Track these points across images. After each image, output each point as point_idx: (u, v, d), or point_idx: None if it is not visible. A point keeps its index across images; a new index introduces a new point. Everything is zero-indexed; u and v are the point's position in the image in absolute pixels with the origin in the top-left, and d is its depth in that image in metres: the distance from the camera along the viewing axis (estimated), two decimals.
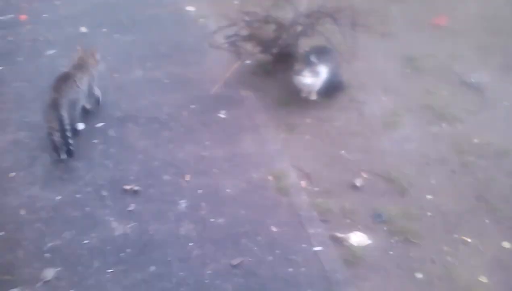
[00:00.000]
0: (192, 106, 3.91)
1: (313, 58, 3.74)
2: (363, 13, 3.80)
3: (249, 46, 4.22)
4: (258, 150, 3.46)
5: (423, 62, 4.45)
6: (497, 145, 3.46)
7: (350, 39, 3.81)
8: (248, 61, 4.39)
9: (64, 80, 3.40)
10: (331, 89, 3.92)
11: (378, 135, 3.62)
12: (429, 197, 3.08)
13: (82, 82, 3.54)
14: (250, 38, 4.04)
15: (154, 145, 3.47)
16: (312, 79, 3.74)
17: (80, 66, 3.62)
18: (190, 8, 5.64)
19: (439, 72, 4.33)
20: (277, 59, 4.25)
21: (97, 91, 3.82)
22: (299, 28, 3.98)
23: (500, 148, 3.44)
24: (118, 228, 2.81)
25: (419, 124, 3.72)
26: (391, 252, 2.70)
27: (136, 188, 3.07)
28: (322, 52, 3.83)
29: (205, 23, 5.22)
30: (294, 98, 3.99)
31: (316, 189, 3.15)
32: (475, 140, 3.53)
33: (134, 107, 3.89)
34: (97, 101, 3.84)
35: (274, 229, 2.80)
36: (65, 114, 3.27)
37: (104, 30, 5.18)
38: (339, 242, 2.74)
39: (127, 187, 3.07)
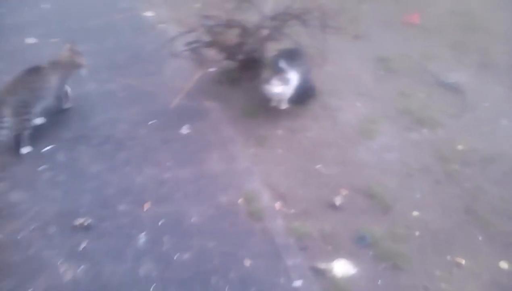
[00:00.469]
0: (151, 122, 3.54)
1: (282, 65, 3.43)
2: (332, 13, 3.50)
3: (212, 53, 3.88)
4: (226, 169, 3.12)
5: (397, 63, 4.21)
6: (482, 151, 3.24)
7: (320, 41, 3.51)
8: (211, 69, 4.05)
9: (29, 74, 3.23)
10: (303, 96, 3.62)
11: (355, 145, 3.34)
12: (415, 213, 2.81)
13: (51, 80, 3.34)
14: (212, 44, 3.69)
15: (109, 169, 3.09)
16: (282, 87, 3.43)
17: (57, 63, 3.43)
18: (149, 14, 5.25)
19: (414, 73, 4.10)
20: (243, 66, 3.93)
21: (66, 94, 3.63)
22: (265, 32, 3.64)
23: (486, 154, 3.21)
24: (68, 272, 2.42)
25: (398, 131, 3.47)
26: (379, 282, 2.41)
27: (88, 221, 2.68)
28: (291, 56, 3.53)
29: (164, 29, 4.84)
30: (263, 108, 3.68)
31: (292, 210, 2.83)
32: (459, 147, 3.30)
33: (86, 126, 3.49)
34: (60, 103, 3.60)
35: (247, 262, 2.47)
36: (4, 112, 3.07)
37: (54, 40, 4.73)
38: (321, 274, 2.43)
39: (78, 221, 2.68)
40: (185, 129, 3.47)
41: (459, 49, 4.40)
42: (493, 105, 3.71)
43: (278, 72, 3.42)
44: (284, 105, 3.64)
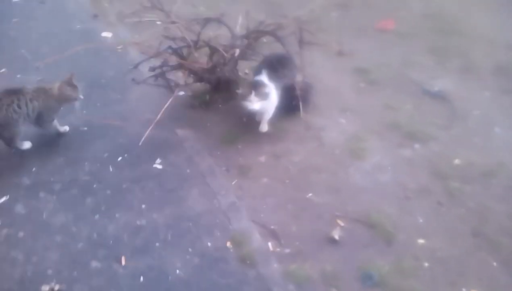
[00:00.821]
0: (119, 158, 3.19)
1: (260, 77, 3.14)
2: (306, 25, 3.22)
3: (180, 75, 3.56)
4: (208, 207, 2.81)
5: (378, 74, 3.99)
6: (481, 165, 3.04)
7: (297, 58, 3.24)
8: (181, 93, 3.71)
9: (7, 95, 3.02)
10: (291, 108, 3.32)
11: (346, 167, 3.09)
12: (420, 241, 2.57)
13: (27, 106, 3.07)
14: (180, 68, 3.37)
15: (76, 219, 2.72)
16: (261, 103, 3.12)
17: (40, 90, 3.17)
18: (106, 35, 4.86)
19: (397, 83, 3.89)
20: (216, 87, 3.62)
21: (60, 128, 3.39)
22: (237, 51, 3.34)
23: (485, 167, 3.01)
24: None
25: (389, 148, 3.23)
26: None
27: (57, 287, 2.31)
28: (277, 64, 3.22)
29: (125, 52, 4.48)
30: (242, 132, 3.39)
31: (287, 250, 2.54)
32: (456, 161, 3.09)
33: (47, 170, 3.10)
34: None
35: None
36: None
37: (3, 70, 4.29)
38: None
39: (45, 288, 2.31)
40: (158, 165, 3.13)
41: (438, 54, 4.23)
42: (483, 113, 3.53)
43: (256, 86, 3.12)
44: (264, 128, 3.35)
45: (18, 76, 4.19)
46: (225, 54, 3.17)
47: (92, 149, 3.28)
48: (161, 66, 3.38)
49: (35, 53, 4.52)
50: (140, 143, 2.99)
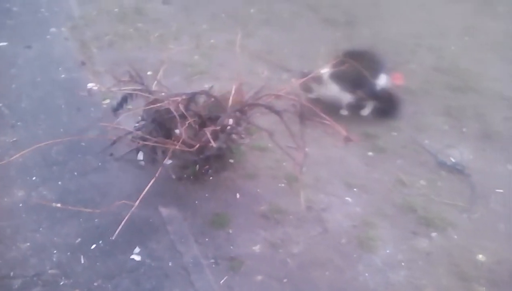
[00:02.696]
0: (93, 246, 2.78)
1: None
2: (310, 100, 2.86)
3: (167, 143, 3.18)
4: None
5: (387, 140, 3.60)
6: (509, 262, 2.61)
7: (298, 134, 2.84)
8: (167, 161, 3.31)
9: None
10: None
11: (354, 262, 2.67)
12: None
13: None
14: (167, 141, 2.98)
15: None
16: None
17: None
18: (92, 86, 4.49)
19: (408, 152, 3.50)
20: (206, 158, 3.22)
21: None
22: (230, 121, 2.96)
23: None
24: None
25: (402, 238, 2.82)
26: None
27: None
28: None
29: (110, 107, 4.10)
30: (234, 213, 2.99)
31: None
32: (479, 257, 2.67)
33: (6, 260, 2.68)
34: None
35: None
36: None
37: None
38: None
39: None
40: (136, 255, 2.72)
41: (453, 116, 3.85)
42: (508, 192, 3.12)
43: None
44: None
45: None
46: (216, 128, 2.78)
47: (63, 232, 2.88)
48: (144, 139, 2.99)
49: (13, 107, 4.16)
50: (118, 221, 2.58)
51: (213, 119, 3.01)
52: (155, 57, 4.64)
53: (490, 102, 4.04)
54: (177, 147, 2.73)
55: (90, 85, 4.50)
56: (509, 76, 4.43)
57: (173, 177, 3.06)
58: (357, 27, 5.39)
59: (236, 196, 3.12)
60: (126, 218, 2.57)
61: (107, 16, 5.89)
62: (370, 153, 3.49)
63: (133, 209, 2.59)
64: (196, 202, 3.10)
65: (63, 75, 4.70)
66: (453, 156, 3.41)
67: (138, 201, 2.61)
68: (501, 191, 3.13)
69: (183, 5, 5.17)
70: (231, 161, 3.36)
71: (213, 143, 2.61)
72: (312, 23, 5.58)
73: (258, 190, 3.16)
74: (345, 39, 5.11)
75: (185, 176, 3.28)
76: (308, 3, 6.06)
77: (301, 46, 5.04)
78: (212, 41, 5.14)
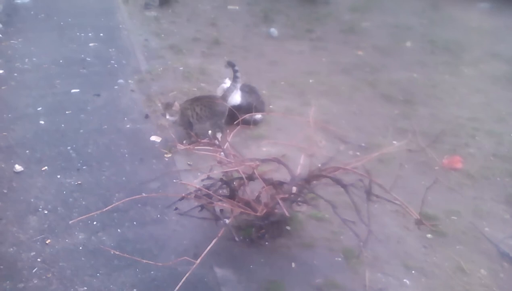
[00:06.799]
0: None
1: None
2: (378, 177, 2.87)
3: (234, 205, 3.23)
4: None
5: (446, 224, 3.53)
6: None
7: (363, 212, 2.85)
8: (226, 220, 3.36)
9: None
10: None
11: None
12: None
13: None
14: (231, 200, 3.04)
15: None
16: None
17: None
18: (155, 139, 4.67)
19: (468, 238, 3.41)
20: (264, 223, 3.25)
21: None
22: (294, 189, 3.00)
23: None
24: None
25: None
26: None
27: None
28: None
29: (172, 161, 4.24)
30: (289, 282, 2.96)
31: None
32: None
33: None
34: None
35: None
36: None
37: (45, 168, 4.10)
38: None
39: None
40: None
41: None
42: None
43: None
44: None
45: (58, 176, 3.98)
46: (285, 196, 2.83)
47: (117, 281, 2.93)
48: (209, 196, 3.06)
49: (80, 151, 4.36)
50: (174, 276, 2.60)
51: (276, 185, 3.07)
52: None
53: None
54: (246, 210, 2.76)
55: (153, 137, 4.68)
56: None
57: (236, 239, 3.06)
58: (415, 106, 5.43)
59: (291, 264, 3.10)
60: (186, 276, 2.59)
61: (172, 73, 6.18)
62: (429, 235, 3.42)
63: (194, 267, 2.62)
64: (251, 266, 3.10)
65: (128, 125, 4.90)
66: None
67: (199, 260, 2.64)
68: None
69: (244, 70, 5.35)
70: (288, 228, 3.36)
71: (286, 212, 2.63)
72: (370, 98, 5.67)
73: (314, 262, 3.13)
74: (403, 117, 5.16)
75: (241, 237, 3.30)
76: (366, 78, 6.19)
77: (358, 119, 5.12)
78: (271, 106, 5.27)
